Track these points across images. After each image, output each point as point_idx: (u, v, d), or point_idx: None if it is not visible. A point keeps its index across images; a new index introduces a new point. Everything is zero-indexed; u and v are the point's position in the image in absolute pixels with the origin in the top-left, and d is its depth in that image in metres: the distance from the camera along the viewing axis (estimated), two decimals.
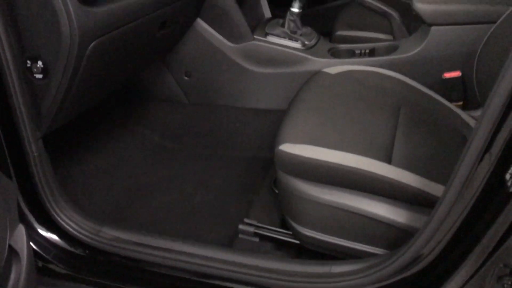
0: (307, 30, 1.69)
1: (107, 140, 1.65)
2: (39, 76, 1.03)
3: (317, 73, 1.46)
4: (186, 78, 1.71)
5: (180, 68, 1.70)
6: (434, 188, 0.99)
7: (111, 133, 1.67)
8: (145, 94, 1.81)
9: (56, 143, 1.26)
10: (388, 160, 1.06)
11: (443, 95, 1.45)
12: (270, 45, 1.62)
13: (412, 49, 1.50)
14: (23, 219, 1.06)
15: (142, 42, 1.32)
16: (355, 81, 1.39)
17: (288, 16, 1.65)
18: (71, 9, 0.96)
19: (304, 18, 1.68)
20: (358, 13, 1.90)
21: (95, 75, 1.16)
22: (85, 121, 1.51)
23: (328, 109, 1.23)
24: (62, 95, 1.05)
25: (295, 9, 1.64)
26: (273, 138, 1.15)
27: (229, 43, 1.63)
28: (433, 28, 1.45)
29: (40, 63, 1.01)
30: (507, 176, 0.73)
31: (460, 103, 1.50)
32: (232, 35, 1.62)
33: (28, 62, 1.01)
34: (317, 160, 1.04)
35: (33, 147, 1.03)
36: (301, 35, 1.66)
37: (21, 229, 0.88)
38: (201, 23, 1.61)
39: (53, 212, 1.09)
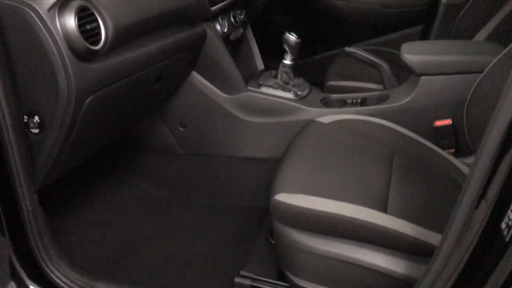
0: (299, 81, 1.73)
1: (102, 191, 1.64)
2: (36, 131, 1.03)
3: (310, 122, 1.48)
4: (181, 128, 1.73)
5: (175, 119, 1.72)
6: (431, 237, 0.99)
7: (105, 184, 1.67)
8: (139, 145, 1.82)
9: (50, 195, 1.25)
10: (384, 209, 1.06)
11: (435, 143, 1.47)
12: (264, 96, 1.65)
13: (403, 98, 1.53)
14: (15, 275, 1.04)
15: (138, 96, 1.34)
16: (348, 130, 1.41)
17: (281, 68, 1.69)
18: (68, 65, 0.98)
19: (296, 68, 1.72)
20: (348, 64, 1.96)
21: (91, 129, 1.17)
22: (79, 171, 1.51)
23: (322, 158, 1.24)
24: (57, 149, 1.06)
25: (287, 61, 1.68)
26: (269, 188, 1.15)
27: (223, 94, 1.66)
28: (422, 78, 1.48)
29: (37, 118, 1.02)
30: (503, 225, 0.73)
31: (452, 150, 1.52)
32: (227, 87, 1.65)
33: (25, 117, 1.02)
34: (313, 210, 1.04)
35: (27, 202, 1.03)
36: (293, 85, 1.69)
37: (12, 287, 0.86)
38: (196, 76, 1.65)
39: (46, 268, 1.07)
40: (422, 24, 2.30)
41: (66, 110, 1.02)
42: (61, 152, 1.08)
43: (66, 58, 0.97)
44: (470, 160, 1.47)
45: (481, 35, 1.60)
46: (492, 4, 1.86)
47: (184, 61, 1.51)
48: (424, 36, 2.32)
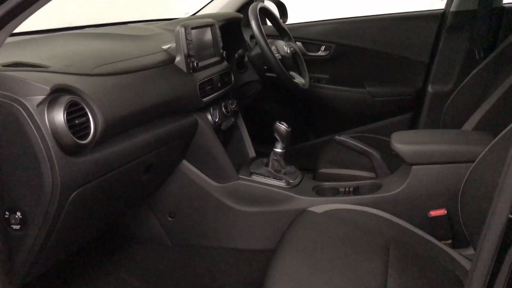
0: (291, 168, 1.72)
1: (84, 286, 1.55)
2: (16, 227, 0.99)
3: (303, 212, 1.45)
4: (169, 218, 1.68)
5: (163, 208, 1.68)
6: None
7: (89, 278, 1.58)
8: (125, 235, 1.76)
9: None
10: None
11: (431, 234, 1.43)
12: (255, 184, 1.63)
13: (396, 187, 1.52)
14: None
15: (125, 188, 1.31)
16: (342, 220, 1.38)
17: (272, 156, 1.69)
18: (54, 160, 0.96)
19: (287, 155, 1.72)
20: (339, 151, 1.96)
21: (75, 224, 1.12)
22: (61, 264, 1.43)
23: (316, 252, 1.20)
24: (38, 246, 1.00)
25: (278, 150, 1.68)
26: (261, 281, 1.09)
27: (214, 183, 1.64)
28: (414, 167, 1.48)
29: (18, 214, 0.98)
30: None
31: (449, 241, 1.48)
32: (217, 175, 1.64)
33: (6, 213, 0.98)
34: None
35: None
36: (285, 173, 1.68)
37: None
38: (185, 164, 1.63)
39: None
40: (410, 113, 2.35)
41: (49, 206, 0.98)
42: (42, 250, 1.02)
43: (52, 153, 0.95)
44: (468, 251, 1.42)
45: (469, 124, 1.63)
46: (478, 94, 1.92)
47: (174, 150, 1.50)
48: (412, 124, 2.37)
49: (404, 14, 2.33)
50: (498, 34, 2.17)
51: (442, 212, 1.46)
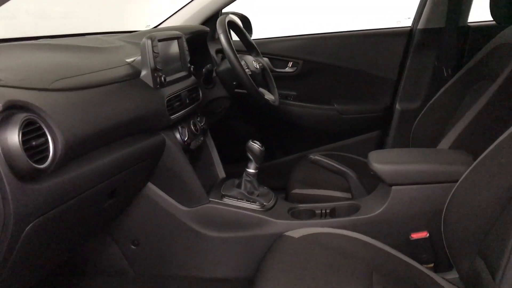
0: (264, 190, 1.63)
1: None
2: None
3: (280, 238, 1.36)
4: (133, 247, 1.54)
5: (126, 236, 1.54)
6: None
7: None
8: (84, 267, 1.60)
9: None
10: None
11: (412, 257, 1.38)
12: (227, 208, 1.52)
13: (375, 209, 1.46)
14: None
15: (88, 216, 1.17)
16: (321, 245, 1.31)
17: (244, 177, 1.59)
18: (7, 187, 0.82)
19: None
20: (312, 171, 1.89)
21: (30, 260, 0.97)
22: None
23: (297, 280, 1.12)
24: None
25: (251, 170, 1.59)
26: None
27: (182, 207, 1.51)
28: (394, 188, 1.43)
29: None
30: None
31: (431, 265, 1.43)
32: (186, 198, 1.52)
33: None
34: None
35: None
36: (258, 195, 1.58)
37: None
38: (150, 187, 1.50)
39: None
40: (379, 130, 2.33)
41: (0, 240, 0.84)
42: None
43: (4, 179, 0.81)
44: (451, 275, 1.38)
45: (445, 143, 1.60)
46: (447, 111, 1.91)
47: (140, 172, 1.37)
48: (380, 142, 2.34)
49: (372, 31, 2.31)
50: (464, 52, 2.19)
51: (424, 234, 1.41)
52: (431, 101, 1.99)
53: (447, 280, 1.31)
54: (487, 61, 1.80)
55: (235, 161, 2.27)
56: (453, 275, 1.37)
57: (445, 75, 2.16)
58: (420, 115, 2.02)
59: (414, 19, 2.28)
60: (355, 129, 2.32)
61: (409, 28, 2.27)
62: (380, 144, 2.34)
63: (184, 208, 1.52)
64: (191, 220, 1.52)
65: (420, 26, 2.20)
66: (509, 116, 1.52)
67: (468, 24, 2.21)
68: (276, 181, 2.17)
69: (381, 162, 1.44)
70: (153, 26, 2.23)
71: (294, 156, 2.35)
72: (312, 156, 1.67)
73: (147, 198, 1.50)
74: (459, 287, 1.29)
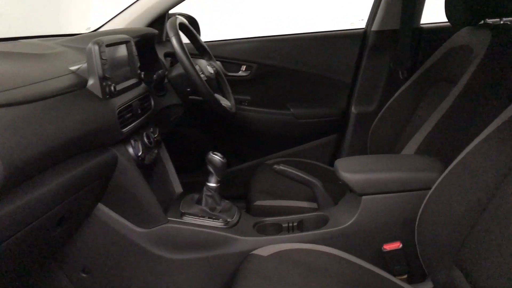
0: (226, 204, 1.52)
1: None
2: None
3: (248, 257, 1.27)
4: (83, 275, 1.38)
5: (75, 263, 1.38)
6: None
7: None
8: None
9: None
10: None
11: (385, 269, 1.33)
12: (188, 227, 1.39)
13: (345, 220, 1.39)
14: None
15: (35, 248, 1.01)
16: (292, 263, 1.23)
17: (205, 192, 1.48)
18: None
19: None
20: (272, 180, 1.81)
21: None
22: None
23: None
24: None
25: (212, 184, 1.47)
26: None
27: (138, 229, 1.38)
28: (364, 197, 1.37)
29: None
30: None
31: (405, 276, 1.39)
32: (142, 219, 1.38)
33: None
34: None
35: None
36: (221, 211, 1.47)
37: None
38: (101, 208, 1.35)
39: None
40: (335, 134, 2.28)
41: None
42: None
43: None
44: (425, 286, 1.34)
45: (410, 148, 1.56)
46: (404, 114, 1.89)
47: (91, 194, 1.22)
48: (337, 145, 2.30)
49: (326, 33, 2.26)
50: (418, 54, 2.19)
51: (396, 245, 1.36)
52: (387, 104, 1.97)
53: None
54: (444, 63, 1.80)
55: (188, 171, 2.14)
56: (427, 286, 1.33)
57: (401, 77, 2.16)
58: (377, 118, 1.99)
59: (367, 20, 2.25)
60: (311, 133, 2.27)
61: (363, 30, 2.25)
62: (337, 148, 2.30)
63: (140, 230, 1.38)
64: (149, 242, 1.38)
65: (374, 28, 2.18)
66: (473, 120, 1.51)
67: (421, 25, 2.21)
68: (233, 190, 2.08)
69: (350, 171, 1.38)
70: (94, 29, 2.06)
71: (250, 163, 2.26)
72: (276, 166, 1.58)
73: (98, 221, 1.35)
74: None
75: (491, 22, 1.69)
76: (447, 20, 1.75)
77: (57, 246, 1.26)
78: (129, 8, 2.04)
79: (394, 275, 1.32)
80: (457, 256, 1.17)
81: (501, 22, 1.64)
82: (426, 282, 1.36)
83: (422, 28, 2.20)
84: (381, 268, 1.30)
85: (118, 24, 2.04)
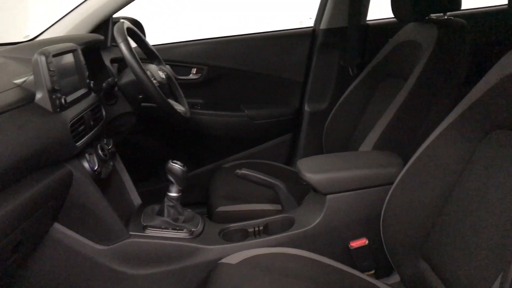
0: (189, 213, 1.48)
1: None
2: None
3: (217, 266, 1.25)
4: None
5: (31, 287, 1.29)
6: None
7: None
8: None
9: None
10: None
11: (354, 266, 1.34)
12: (151, 241, 1.34)
13: (311, 221, 1.39)
14: None
15: None
16: (263, 269, 1.21)
17: (166, 202, 1.43)
18: None
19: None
20: (235, 184, 1.78)
21: None
22: None
23: None
24: None
25: (173, 194, 1.43)
26: None
27: (98, 246, 1.31)
28: (328, 196, 1.37)
29: None
30: None
31: (372, 271, 1.40)
32: (102, 236, 1.31)
33: None
34: None
35: None
36: (184, 221, 1.43)
37: None
38: (58, 228, 1.27)
39: None
40: (291, 133, 2.29)
41: None
42: None
43: None
44: (392, 280, 1.36)
45: (367, 144, 1.59)
46: (357, 110, 1.93)
47: (46, 216, 1.14)
48: (293, 144, 2.30)
49: (276, 32, 2.26)
50: (365, 50, 2.23)
51: (363, 242, 1.38)
52: (339, 101, 1.99)
53: (389, 285, 1.29)
54: (392, 58, 1.84)
55: (144, 180, 2.08)
56: (394, 279, 1.35)
57: (351, 74, 2.19)
58: (330, 116, 2.02)
59: (316, 19, 2.27)
60: (267, 134, 2.26)
61: (312, 28, 2.26)
62: (293, 147, 2.30)
63: (101, 247, 1.31)
64: (111, 259, 1.32)
65: (322, 26, 2.20)
66: (427, 114, 1.55)
67: (368, 22, 2.25)
68: (191, 196, 2.03)
69: (314, 171, 1.38)
70: (33, 37, 1.94)
71: (207, 168, 2.22)
72: (238, 171, 1.56)
73: (55, 242, 1.27)
74: None
75: (435, 17, 1.75)
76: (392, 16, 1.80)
77: (11, 275, 1.18)
78: (70, 14, 1.93)
79: (362, 271, 1.33)
80: (423, 248, 1.19)
81: (445, 17, 1.70)
82: (393, 275, 1.38)
83: (368, 24, 2.25)
84: (349, 266, 1.31)
85: (59, 31, 1.93)
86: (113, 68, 1.89)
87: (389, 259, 1.30)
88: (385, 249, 1.30)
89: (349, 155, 1.55)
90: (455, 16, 1.72)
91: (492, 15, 2.28)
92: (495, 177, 1.01)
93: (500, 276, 0.89)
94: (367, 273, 1.38)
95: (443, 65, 1.55)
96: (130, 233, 1.34)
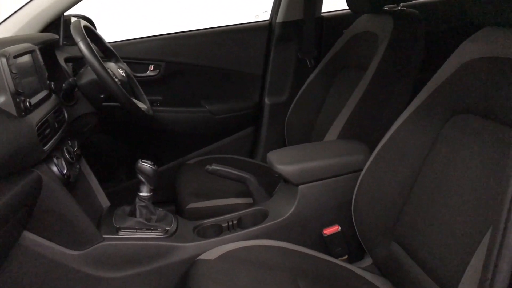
0: (160, 212, 1.46)
1: None
2: None
3: (195, 263, 1.25)
4: None
5: None
6: None
7: None
8: None
9: None
10: None
11: (328, 253, 1.38)
12: (126, 242, 1.32)
13: (284, 212, 1.41)
14: None
15: None
16: (240, 262, 1.23)
17: (138, 202, 1.40)
18: None
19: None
20: (202, 180, 1.78)
21: None
22: None
23: None
24: None
25: (144, 194, 1.41)
26: None
27: (71, 252, 1.27)
28: (300, 187, 1.40)
29: None
30: None
31: (345, 257, 1.45)
32: (74, 241, 1.28)
33: None
34: None
35: None
36: (157, 221, 1.41)
37: None
38: (27, 236, 1.22)
39: None
40: (252, 126, 2.30)
41: None
42: None
43: None
44: (365, 263, 1.41)
45: (332, 134, 1.63)
46: (317, 101, 1.97)
47: (15, 225, 1.10)
48: (255, 137, 2.32)
49: (233, 27, 2.26)
50: (322, 42, 2.28)
51: (335, 229, 1.42)
52: (299, 93, 2.03)
53: (363, 268, 1.34)
54: (349, 49, 1.89)
55: (109, 181, 2.03)
56: (367, 262, 1.40)
57: (309, 65, 2.23)
58: (291, 107, 2.05)
59: (271, 12, 2.28)
60: (229, 128, 2.26)
61: (268, 21, 2.28)
62: (255, 140, 2.32)
63: (74, 252, 1.28)
64: (85, 264, 1.28)
65: (278, 19, 2.22)
66: (388, 102, 1.61)
67: (322, 14, 2.30)
68: (157, 195, 2.00)
69: (285, 163, 1.40)
70: None
71: (171, 165, 2.20)
72: (209, 167, 1.55)
73: (25, 250, 1.22)
74: (375, 273, 1.33)
75: (388, 8, 1.81)
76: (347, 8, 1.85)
77: None
78: (17, 13, 1.84)
79: (336, 257, 1.38)
80: (395, 231, 1.25)
81: (399, 8, 1.76)
82: (366, 259, 1.43)
83: (323, 16, 2.29)
84: (323, 253, 1.35)
85: (7, 30, 1.84)
86: (68, 67, 1.82)
87: (362, 243, 1.35)
88: (357, 234, 1.35)
89: (318, 145, 1.59)
90: (407, 6, 1.79)
91: (443, 5, 2.39)
92: (459, 156, 1.07)
93: (488, 231, 0.91)
94: (340, 258, 1.42)
95: (400, 55, 1.61)
96: (104, 236, 1.32)
